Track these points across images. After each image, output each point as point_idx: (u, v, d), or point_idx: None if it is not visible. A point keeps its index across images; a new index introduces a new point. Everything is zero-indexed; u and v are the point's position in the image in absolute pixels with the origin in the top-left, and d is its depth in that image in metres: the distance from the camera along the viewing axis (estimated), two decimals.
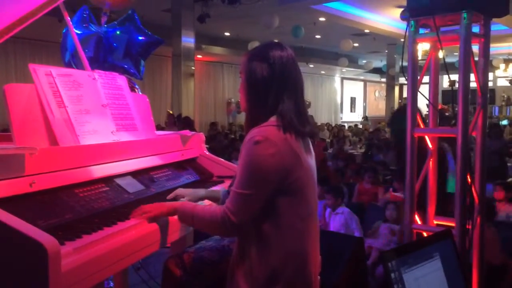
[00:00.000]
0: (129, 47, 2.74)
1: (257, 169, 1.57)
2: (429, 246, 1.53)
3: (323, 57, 17.27)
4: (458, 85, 2.33)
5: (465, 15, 2.23)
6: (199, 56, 14.31)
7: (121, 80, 2.25)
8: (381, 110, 21.53)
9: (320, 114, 19.94)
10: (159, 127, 10.78)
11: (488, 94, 2.54)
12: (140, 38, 2.81)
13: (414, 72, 2.49)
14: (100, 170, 1.86)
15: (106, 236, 1.48)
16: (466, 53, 2.28)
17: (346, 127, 16.90)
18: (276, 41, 1.79)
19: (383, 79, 20.12)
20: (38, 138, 1.71)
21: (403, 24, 2.55)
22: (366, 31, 13.02)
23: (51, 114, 1.75)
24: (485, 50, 2.48)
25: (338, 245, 2.99)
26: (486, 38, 2.47)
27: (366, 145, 10.99)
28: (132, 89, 2.78)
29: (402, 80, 19.47)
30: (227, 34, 14.10)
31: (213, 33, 13.54)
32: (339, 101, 22.89)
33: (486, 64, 2.51)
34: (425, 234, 2.63)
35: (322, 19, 11.69)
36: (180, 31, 10.24)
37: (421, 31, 2.54)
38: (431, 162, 2.71)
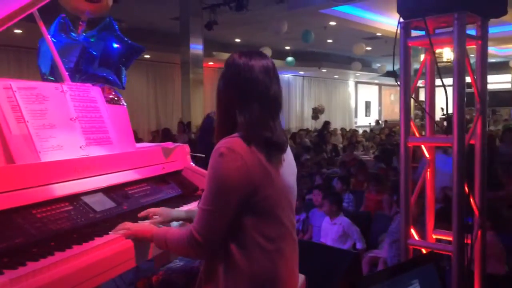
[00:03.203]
0: (108, 56, 2.65)
1: (222, 183, 1.47)
2: (408, 272, 1.38)
3: (335, 61, 17.09)
4: (452, 91, 2.18)
5: (457, 16, 2.08)
6: (210, 63, 14.28)
7: (95, 92, 2.16)
8: (396, 114, 21.12)
9: (334, 119, 19.70)
10: (168, 136, 10.78)
11: (487, 99, 2.38)
12: (120, 46, 2.71)
13: (406, 77, 2.35)
14: (64, 188, 1.76)
15: (54, 263, 1.37)
16: (460, 56, 2.12)
17: (361, 132, 16.63)
18: (254, 50, 1.68)
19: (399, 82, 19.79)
20: None
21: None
22: (378, 34, 12.81)
23: (7, 130, 1.65)
24: (482, 53, 2.32)
25: (333, 260, 2.84)
26: (483, 40, 2.31)
27: (379, 151, 10.76)
28: (118, 100, 2.69)
29: (418, 83, 19.12)
30: (237, 40, 14.04)
31: (223, 40, 13.50)
32: (353, 105, 22.63)
33: (485, 67, 2.35)
34: (423, 251, 2.47)
35: (332, 23, 11.54)
36: (188, 38, 10.21)
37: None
38: (428, 173, 2.55)
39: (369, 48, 14.65)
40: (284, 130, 1.66)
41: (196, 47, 10.40)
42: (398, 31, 2.34)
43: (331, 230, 4.07)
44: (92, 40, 2.78)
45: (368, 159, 9.94)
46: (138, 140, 10.22)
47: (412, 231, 2.45)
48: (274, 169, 1.53)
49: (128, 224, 1.72)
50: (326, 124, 16.04)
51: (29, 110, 1.77)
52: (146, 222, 1.82)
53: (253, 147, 1.49)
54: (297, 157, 9.26)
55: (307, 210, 4.95)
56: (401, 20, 2.30)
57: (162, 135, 11.12)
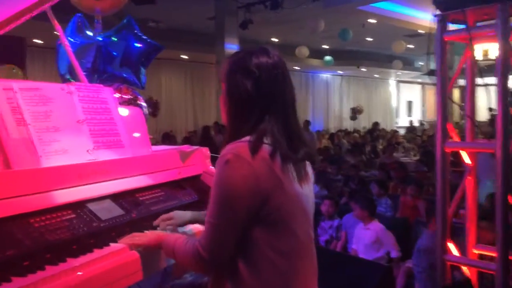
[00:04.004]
0: (128, 55, 2.57)
1: (228, 193, 1.34)
2: None
3: (375, 60, 16.63)
4: (497, 91, 1.94)
5: (500, 7, 1.85)
6: None
7: (106, 93, 2.06)
8: None
9: (374, 119, 19.25)
10: (207, 134, 10.76)
11: None
12: (139, 45, 2.62)
13: (443, 75, 2.12)
14: (67, 195, 1.66)
15: (42, 279, 1.26)
16: (504, 52, 1.89)
17: (402, 133, 16.15)
18: (262, 46, 1.52)
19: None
20: None
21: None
22: (421, 31, 12.33)
23: (5, 133, 1.57)
24: None
25: (362, 274, 2.64)
26: None
27: (421, 153, 10.35)
28: (135, 100, 2.61)
29: (462, 82, 18.32)
30: (274, 39, 13.87)
31: (260, 39, 13.36)
32: (394, 105, 22.02)
33: None
34: (464, 268, 2.23)
35: (371, 20, 11.20)
36: (223, 38, 10.15)
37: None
38: (468, 180, 2.31)
39: (411, 46, 14.15)
40: (302, 136, 1.50)
41: (231, 47, 10.31)
42: (434, 25, 2.12)
43: (363, 236, 3.86)
44: (113, 39, 2.71)
45: (409, 161, 9.56)
46: (185, 140, 10.28)
47: (450, 245, 2.22)
48: (286, 177, 1.38)
49: (136, 234, 1.63)
50: (376, 125, 15.76)
51: (31, 112, 1.68)
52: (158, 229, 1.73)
53: (264, 153, 1.34)
54: (335, 159, 9.02)
55: (341, 215, 4.74)
56: (437, 12, 2.08)
57: (202, 133, 11.15)
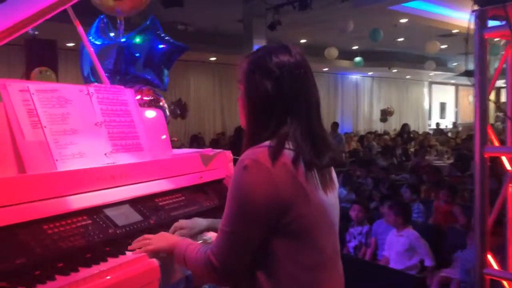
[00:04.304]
0: (150, 56, 2.51)
1: (245, 201, 1.24)
2: None
3: (407, 61, 16.23)
4: None
5: None
6: None
7: (127, 94, 2.00)
8: None
9: (405, 121, 18.86)
10: (235, 137, 10.72)
11: None
12: (162, 46, 2.56)
13: (482, 75, 1.98)
14: (83, 200, 1.60)
15: None
16: None
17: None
18: (283, 44, 1.42)
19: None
20: (3, 166, 1.48)
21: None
22: (455, 31, 11.96)
23: (20, 136, 1.52)
24: None
25: (394, 284, 2.50)
26: None
27: (455, 156, 10.03)
28: (157, 101, 2.55)
29: (500, 83, 17.61)
30: (303, 40, 13.72)
31: (289, 40, 13.11)
32: (427, 107, 21.49)
33: None
34: (505, 284, 2.07)
35: (403, 20, 10.91)
36: (251, 39, 10.07)
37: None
38: (510, 188, 2.15)
39: (444, 46, 13.75)
40: (327, 140, 1.39)
41: None
42: (472, 23, 1.98)
43: (396, 242, 3.71)
44: (138, 41, 2.66)
45: (443, 164, 9.27)
46: (212, 142, 10.28)
47: (490, 258, 2.06)
48: (310, 184, 1.28)
49: (147, 236, 1.56)
50: (404, 126, 15.43)
51: (48, 114, 1.63)
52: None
53: (285, 159, 1.24)
54: (365, 162, 8.82)
55: (371, 221, 4.58)
56: (476, 8, 1.94)
57: (234, 134, 11.11)
